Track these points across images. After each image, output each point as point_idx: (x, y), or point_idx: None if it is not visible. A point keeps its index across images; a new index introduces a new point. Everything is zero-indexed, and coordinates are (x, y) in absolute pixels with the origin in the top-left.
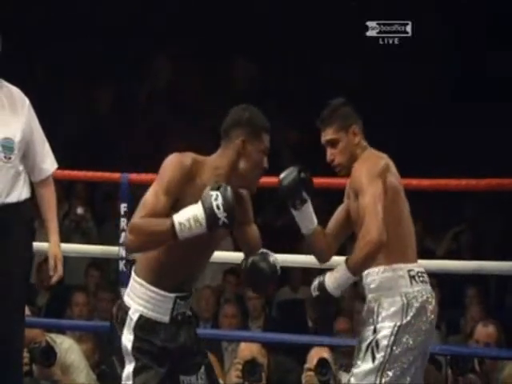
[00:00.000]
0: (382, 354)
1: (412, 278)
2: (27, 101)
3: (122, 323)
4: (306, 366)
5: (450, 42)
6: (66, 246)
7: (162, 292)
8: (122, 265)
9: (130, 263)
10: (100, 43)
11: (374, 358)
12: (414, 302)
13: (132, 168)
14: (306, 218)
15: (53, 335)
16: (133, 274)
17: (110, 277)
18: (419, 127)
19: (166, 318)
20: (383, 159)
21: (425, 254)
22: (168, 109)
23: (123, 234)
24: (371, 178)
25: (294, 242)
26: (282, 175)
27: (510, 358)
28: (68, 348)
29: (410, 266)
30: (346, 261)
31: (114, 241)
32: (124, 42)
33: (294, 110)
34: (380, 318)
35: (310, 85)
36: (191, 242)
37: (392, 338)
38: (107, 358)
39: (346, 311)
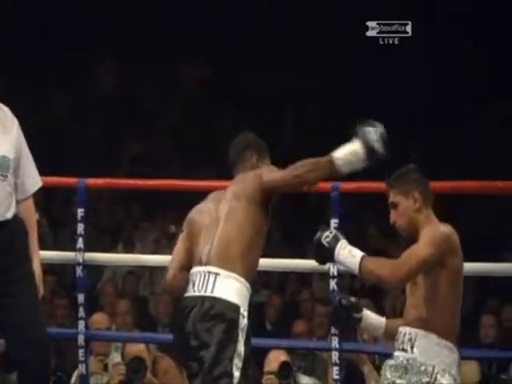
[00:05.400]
0: None
1: (459, 365)
2: (16, 120)
3: (235, 326)
4: (266, 369)
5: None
6: None
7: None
8: (79, 270)
9: (88, 268)
10: (52, 45)
11: None
12: None
13: (89, 171)
14: (370, 326)
15: None
16: (218, 270)
17: (66, 283)
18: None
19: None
20: (456, 238)
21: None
22: (122, 112)
23: (80, 240)
24: (431, 244)
25: None
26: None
27: (469, 357)
28: None
29: (457, 351)
30: (363, 259)
31: (70, 246)
32: (77, 45)
33: (250, 112)
34: None
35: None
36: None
37: None
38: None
39: (304, 314)
